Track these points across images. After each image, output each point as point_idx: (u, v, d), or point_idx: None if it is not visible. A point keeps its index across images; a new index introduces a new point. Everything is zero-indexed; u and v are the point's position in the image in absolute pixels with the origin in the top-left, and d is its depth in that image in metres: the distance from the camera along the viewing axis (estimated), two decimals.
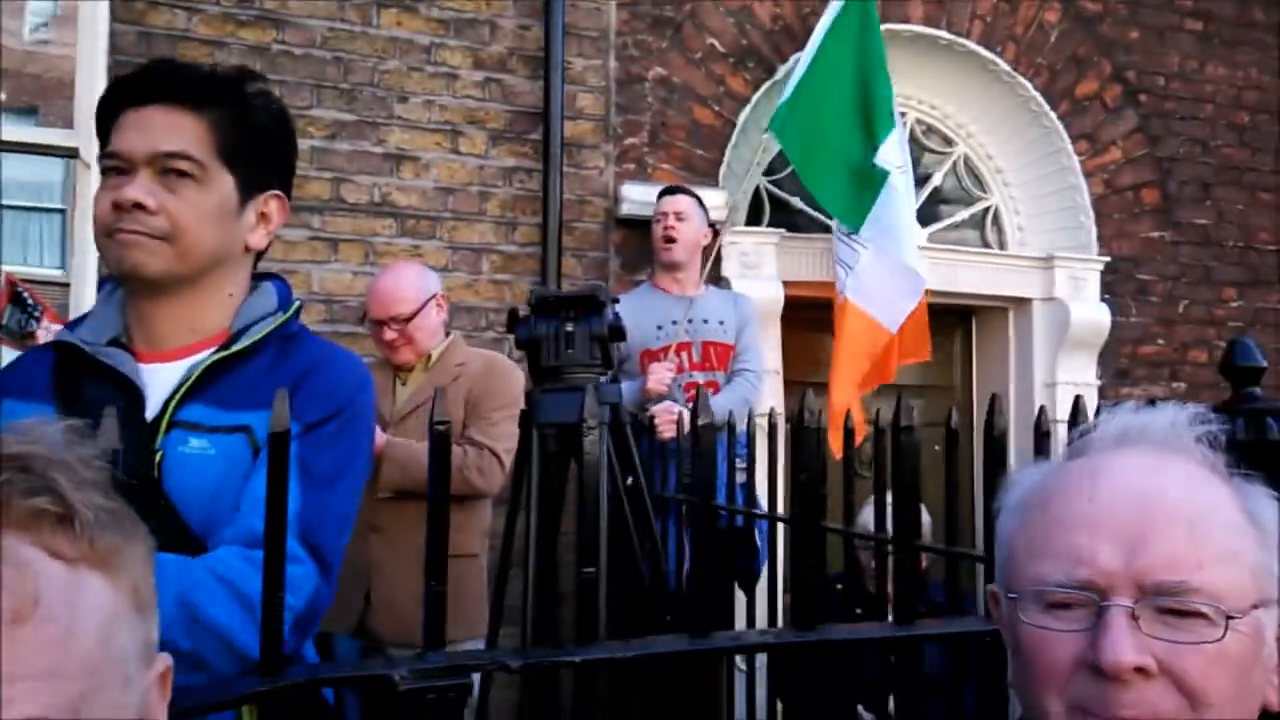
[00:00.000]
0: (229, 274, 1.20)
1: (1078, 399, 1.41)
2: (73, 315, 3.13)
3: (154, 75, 1.18)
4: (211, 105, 1.16)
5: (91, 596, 0.50)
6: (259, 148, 1.20)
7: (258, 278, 1.28)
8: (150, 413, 1.13)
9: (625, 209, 3.75)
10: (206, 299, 1.18)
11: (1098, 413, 1.39)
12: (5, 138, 3.36)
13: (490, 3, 3.71)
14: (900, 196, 3.71)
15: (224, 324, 1.19)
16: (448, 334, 2.82)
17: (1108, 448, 0.78)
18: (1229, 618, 0.68)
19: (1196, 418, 0.78)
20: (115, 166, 1.14)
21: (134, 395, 1.12)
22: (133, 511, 0.55)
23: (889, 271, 3.67)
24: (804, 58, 3.67)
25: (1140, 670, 0.67)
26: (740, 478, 3.07)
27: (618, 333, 1.81)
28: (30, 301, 7.71)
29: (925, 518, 2.64)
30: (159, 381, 1.14)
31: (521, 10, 3.75)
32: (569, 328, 1.77)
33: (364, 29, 3.53)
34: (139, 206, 1.10)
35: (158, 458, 1.10)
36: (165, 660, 0.56)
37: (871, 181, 3.66)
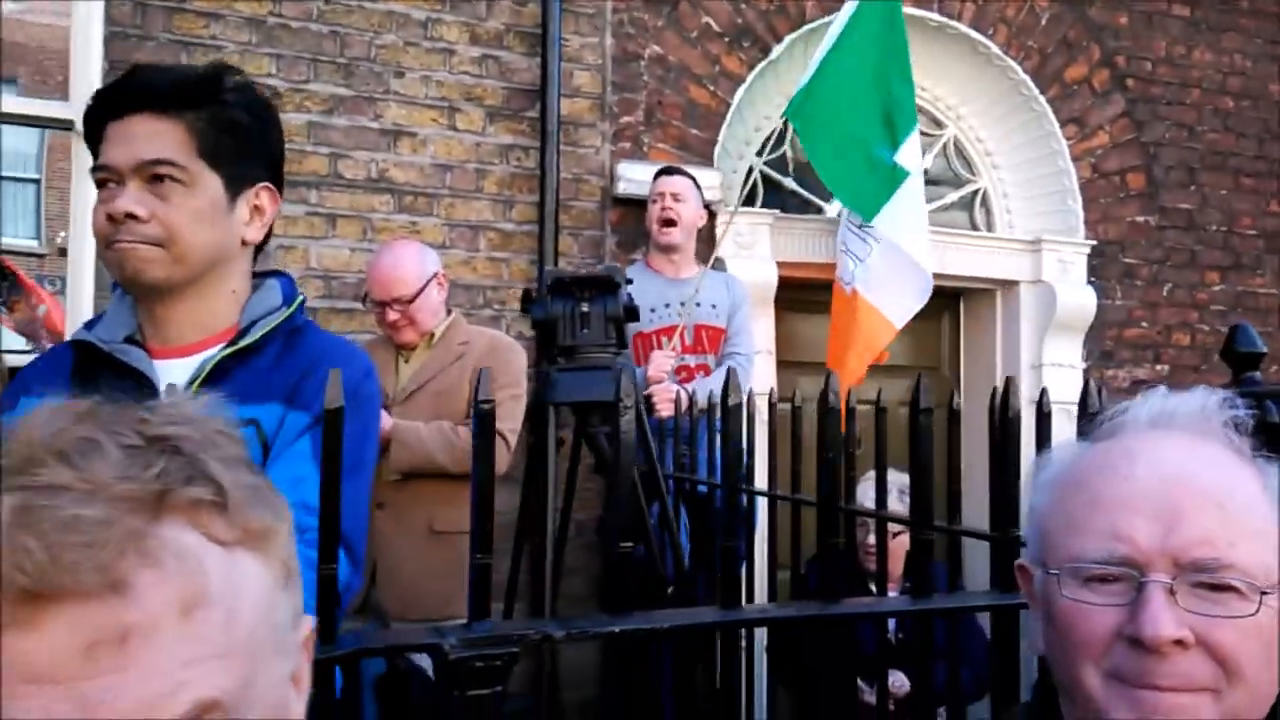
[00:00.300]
0: (229, 270, 1.23)
1: (1087, 382, 1.45)
2: (70, 285, 3.12)
3: (131, 85, 1.18)
4: (189, 108, 1.17)
5: (250, 578, 0.52)
6: (241, 144, 1.21)
7: (263, 274, 1.31)
8: None
9: (621, 188, 3.76)
10: (210, 296, 1.21)
11: (1095, 395, 1.43)
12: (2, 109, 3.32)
13: None
14: (917, 198, 3.73)
15: (231, 320, 1.22)
16: (449, 312, 2.83)
17: (1141, 430, 0.82)
18: (1262, 593, 0.72)
19: (1225, 403, 0.82)
20: (106, 179, 1.16)
21: (150, 390, 1.16)
22: (273, 484, 0.57)
23: (899, 269, 3.69)
24: (824, 44, 3.65)
25: (1178, 642, 0.71)
26: None
27: (632, 313, 1.84)
28: (7, 271, 7.61)
29: None
30: (172, 377, 1.18)
31: None
32: (584, 308, 1.80)
33: (360, 3, 3.50)
34: (131, 217, 1.13)
35: None
36: (309, 622, 0.59)
37: (889, 177, 3.66)
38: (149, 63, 1.11)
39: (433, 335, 2.75)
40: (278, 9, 3.39)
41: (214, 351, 1.19)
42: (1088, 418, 1.40)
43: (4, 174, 10.79)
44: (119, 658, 0.46)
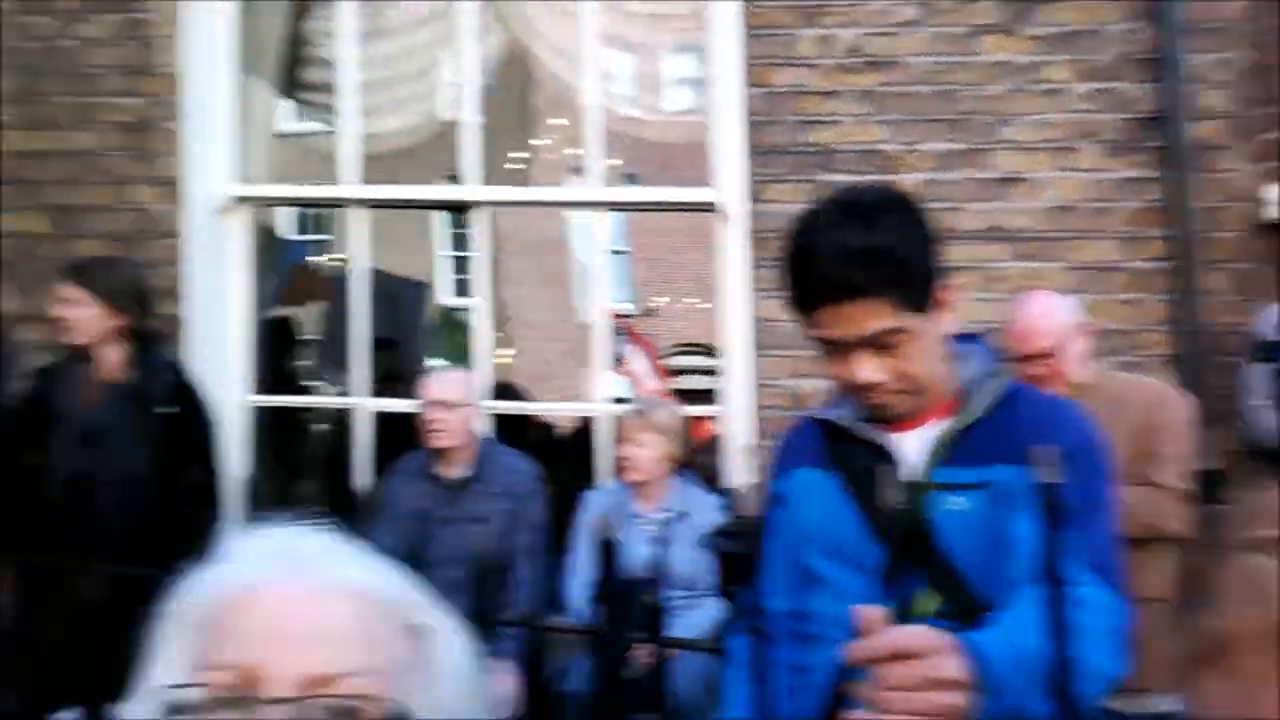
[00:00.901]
0: (940, 361, 1.31)
1: None
2: (729, 352, 3.52)
3: (810, 284, 1.25)
4: (893, 283, 1.21)
5: None
6: (922, 272, 1.25)
7: (959, 338, 1.35)
8: (905, 475, 1.28)
9: (1270, 212, 3.29)
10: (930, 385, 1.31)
11: None
12: (652, 198, 3.89)
13: (1094, 11, 3.51)
14: None
15: (946, 393, 1.31)
16: (1095, 362, 2.69)
17: None
18: None
19: None
20: (831, 347, 1.27)
21: (887, 459, 1.29)
22: None
23: None
24: None
25: None
26: None
27: None
28: (623, 330, 8.81)
29: None
30: (906, 448, 1.30)
31: (1128, 13, 3.50)
32: None
33: (962, 59, 3.52)
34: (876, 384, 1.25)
35: (929, 517, 1.24)
36: None
37: None
38: (813, 247, 1.18)
39: (1080, 387, 2.62)
40: (886, 78, 3.54)
41: (941, 425, 1.29)
42: None
43: (610, 249, 13.73)
44: None
